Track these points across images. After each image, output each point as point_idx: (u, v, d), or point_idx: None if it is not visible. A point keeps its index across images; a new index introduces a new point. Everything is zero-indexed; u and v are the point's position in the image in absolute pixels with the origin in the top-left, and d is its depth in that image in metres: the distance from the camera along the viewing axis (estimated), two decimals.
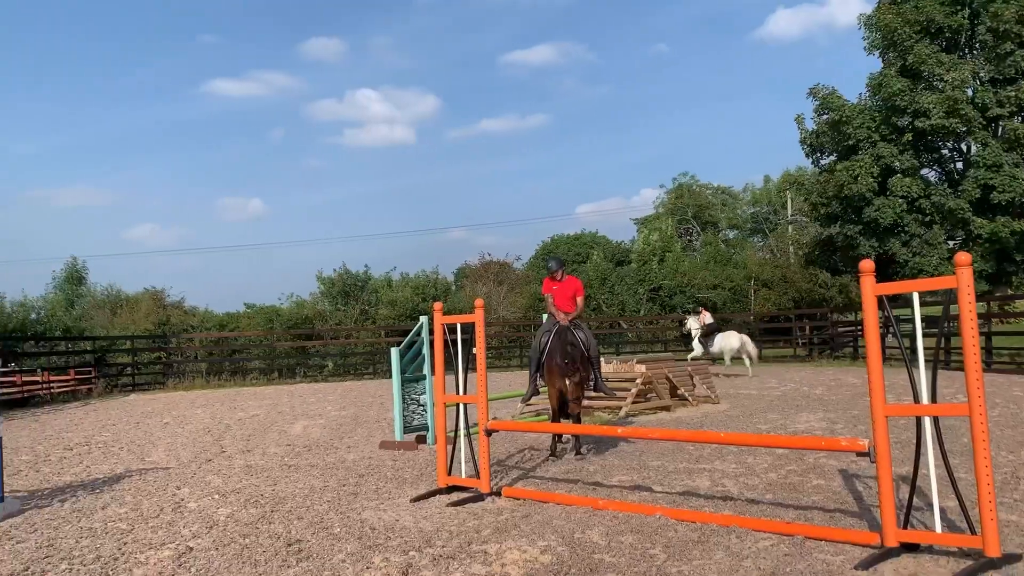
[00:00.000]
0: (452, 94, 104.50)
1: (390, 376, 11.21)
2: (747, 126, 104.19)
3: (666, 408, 13.45)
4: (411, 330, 11.00)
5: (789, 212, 51.73)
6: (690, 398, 13.94)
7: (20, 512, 7.26)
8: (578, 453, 9.13)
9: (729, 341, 21.34)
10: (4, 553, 5.86)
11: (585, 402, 11.17)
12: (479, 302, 7.48)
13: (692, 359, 20.00)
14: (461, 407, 7.63)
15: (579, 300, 9.54)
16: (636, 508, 6.43)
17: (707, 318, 22.51)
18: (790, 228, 49.93)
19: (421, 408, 10.88)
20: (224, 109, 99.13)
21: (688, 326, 22.72)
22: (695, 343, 22.07)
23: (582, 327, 9.48)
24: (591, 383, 9.44)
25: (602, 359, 11.87)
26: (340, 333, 32.81)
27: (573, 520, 6.21)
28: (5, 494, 7.28)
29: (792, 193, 50.52)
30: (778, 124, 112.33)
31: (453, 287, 41.57)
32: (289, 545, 5.75)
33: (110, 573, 5.26)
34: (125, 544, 5.97)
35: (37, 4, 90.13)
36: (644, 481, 7.67)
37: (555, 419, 9.49)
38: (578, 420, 9.35)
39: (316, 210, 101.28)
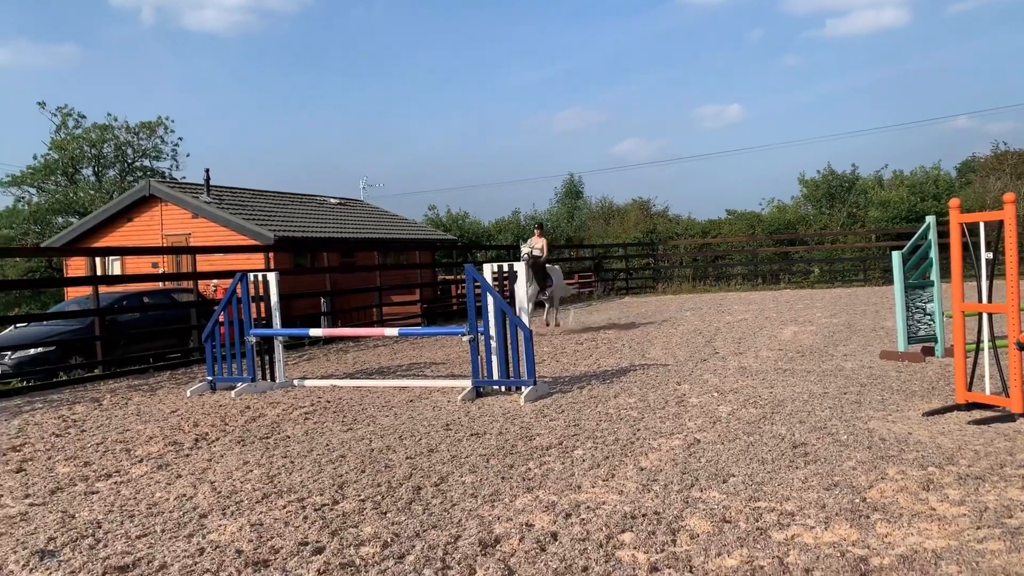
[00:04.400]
0: None
1: (883, 283, 10.40)
2: None
3: None
4: (906, 233, 10.02)
5: None
6: None
7: (548, 395, 8.36)
8: None
9: None
10: (541, 428, 6.81)
11: None
12: (1009, 196, 6.41)
13: None
14: (984, 317, 6.72)
15: None
16: None
17: None
18: None
19: (927, 317, 9.90)
20: (701, 15, 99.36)
21: None
22: None
23: None
24: None
25: None
26: (825, 238, 31.36)
27: None
28: (536, 379, 8.44)
29: None
30: None
31: (956, 184, 36.74)
32: (795, 447, 5.71)
33: (628, 454, 5.77)
34: (638, 431, 6.51)
35: None
36: None
37: None
38: None
39: (796, 110, 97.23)
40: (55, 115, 46.67)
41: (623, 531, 4.19)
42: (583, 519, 4.40)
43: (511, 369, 8.42)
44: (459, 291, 24.54)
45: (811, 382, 8.40)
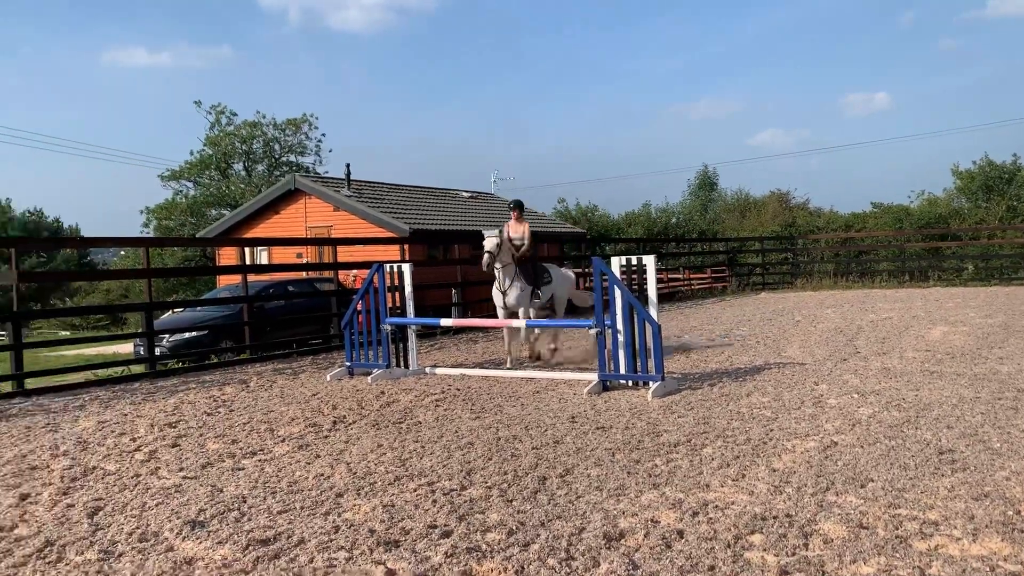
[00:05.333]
0: None
1: None
2: None
3: None
4: None
5: None
6: None
7: (677, 391, 8.22)
8: None
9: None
10: (669, 424, 6.71)
11: None
12: None
13: None
14: None
15: None
16: None
17: None
18: None
19: None
20: None
21: None
22: None
23: None
24: None
25: None
26: (981, 233, 29.32)
27: None
28: (665, 374, 8.32)
29: None
30: None
31: None
32: (941, 454, 5.38)
33: (759, 454, 5.61)
34: (771, 431, 6.30)
35: None
36: None
37: None
38: None
39: (951, 96, 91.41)
40: (210, 113, 49.78)
41: (752, 532, 4.08)
42: (711, 518, 4.31)
43: (638, 364, 8.34)
44: (587, 284, 24.51)
45: (961, 386, 7.89)
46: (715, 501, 4.60)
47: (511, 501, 4.74)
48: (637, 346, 8.31)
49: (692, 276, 26.77)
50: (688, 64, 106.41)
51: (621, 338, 8.36)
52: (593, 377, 8.63)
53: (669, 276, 25.72)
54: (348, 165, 23.17)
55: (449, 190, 28.93)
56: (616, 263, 8.67)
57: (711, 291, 25.01)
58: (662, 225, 43.61)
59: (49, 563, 4.00)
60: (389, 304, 10.30)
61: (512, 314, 10.92)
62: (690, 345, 12.01)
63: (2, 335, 36.18)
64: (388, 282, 10.38)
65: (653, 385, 8.08)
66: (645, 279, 8.59)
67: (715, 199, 48.35)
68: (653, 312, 8.37)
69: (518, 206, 11.35)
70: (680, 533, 4.11)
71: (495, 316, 11.32)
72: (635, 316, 8.31)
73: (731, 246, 30.36)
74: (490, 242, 10.49)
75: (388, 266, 10.51)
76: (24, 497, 5.22)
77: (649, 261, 8.60)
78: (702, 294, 24.41)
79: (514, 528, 4.24)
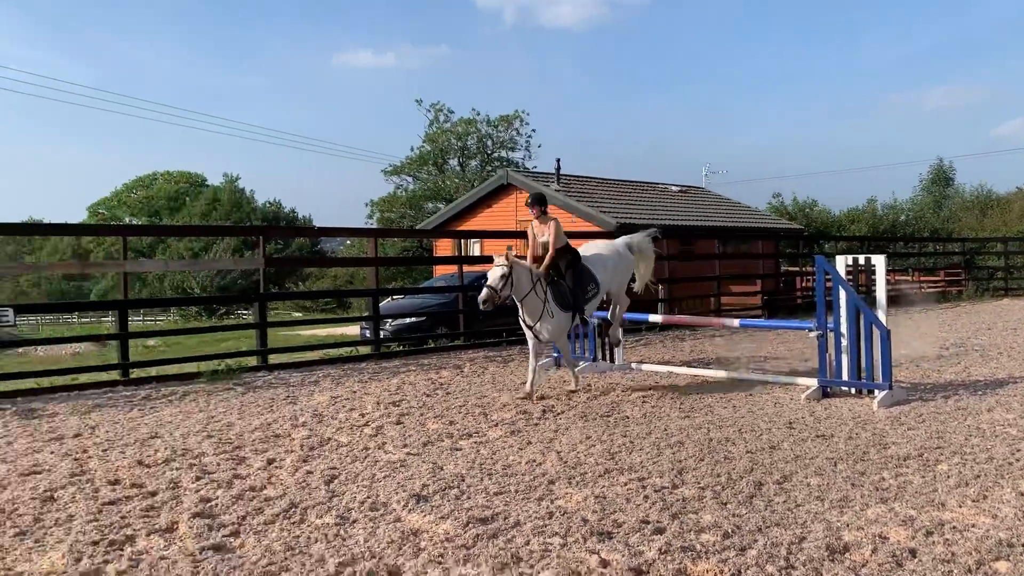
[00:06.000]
0: None
1: None
2: None
3: None
4: None
5: None
6: None
7: (906, 401, 7.65)
8: None
9: None
10: (898, 436, 6.26)
11: None
12: None
13: None
14: None
15: None
16: None
17: None
18: None
19: None
20: None
21: None
22: None
23: None
24: None
25: None
26: None
27: None
28: (893, 383, 7.76)
29: None
30: None
31: None
32: None
33: (1004, 475, 5.10)
34: (1018, 451, 5.71)
35: None
36: None
37: None
38: None
39: None
40: (429, 111, 52.39)
41: (997, 559, 3.74)
42: (947, 539, 3.99)
43: (863, 370, 7.84)
44: (804, 284, 23.33)
45: None
46: (952, 522, 4.25)
47: (725, 504, 4.63)
48: (862, 351, 7.82)
49: (922, 279, 24.75)
50: (919, 51, 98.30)
51: (844, 342, 7.90)
52: (812, 382, 8.22)
53: (896, 278, 23.95)
54: (558, 160, 23.52)
55: (658, 184, 28.59)
56: (841, 262, 8.20)
57: (944, 295, 22.99)
58: (888, 223, 40.68)
59: (294, 523, 4.41)
60: None
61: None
62: (920, 353, 11.12)
63: (246, 314, 40.22)
64: None
65: (880, 394, 7.57)
66: (873, 280, 8.05)
67: (950, 196, 44.34)
68: (882, 316, 7.84)
69: (538, 201, 8.54)
70: (912, 552, 3.83)
71: (705, 314, 11.01)
72: (861, 319, 7.82)
73: (969, 247, 27.70)
74: (494, 273, 8.04)
75: None
76: (270, 462, 5.77)
77: (879, 261, 8.06)
78: (934, 297, 22.50)
79: (729, 531, 4.14)
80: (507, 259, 8.06)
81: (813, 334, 8.18)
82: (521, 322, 8.44)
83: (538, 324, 8.26)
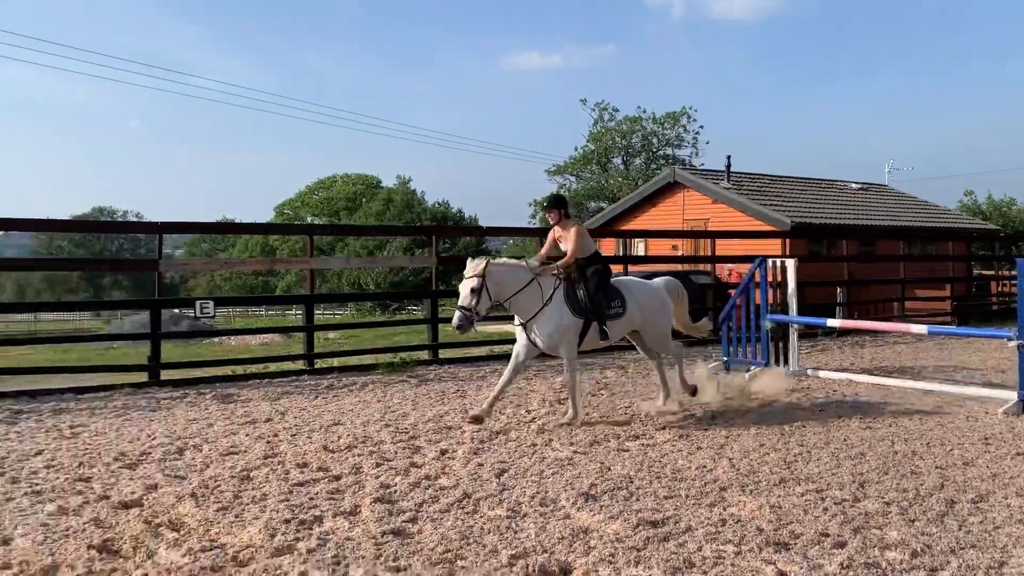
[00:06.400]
0: None
1: None
2: None
3: None
4: None
5: None
6: None
7: None
8: None
9: None
10: None
11: None
12: None
13: None
14: None
15: None
16: None
17: None
18: None
19: None
20: None
21: None
22: None
23: None
24: None
25: None
26: None
27: None
28: None
29: None
30: None
31: None
32: None
33: None
34: None
35: None
36: None
37: None
38: None
39: None
40: (593, 110, 52.39)
41: None
42: None
43: None
44: (1000, 289, 21.48)
45: None
46: None
47: (913, 521, 4.35)
48: None
49: None
50: None
51: None
52: (1011, 396, 7.56)
53: None
54: (728, 157, 22.86)
55: (836, 181, 27.19)
56: None
57: None
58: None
59: (467, 513, 4.55)
60: (770, 301, 10.03)
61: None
62: None
63: (416, 310, 41.79)
64: (770, 278, 10.11)
65: None
66: None
67: None
68: None
69: (556, 204, 7.44)
70: None
71: (887, 319, 10.40)
72: None
73: None
74: (464, 289, 6.87)
75: (770, 261, 10.22)
76: (443, 452, 5.98)
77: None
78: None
79: (918, 550, 3.89)
80: (477, 268, 6.86)
81: (1013, 343, 7.52)
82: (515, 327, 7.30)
83: (533, 323, 7.00)
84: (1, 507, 4.70)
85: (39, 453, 6.06)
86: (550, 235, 7.55)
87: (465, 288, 6.84)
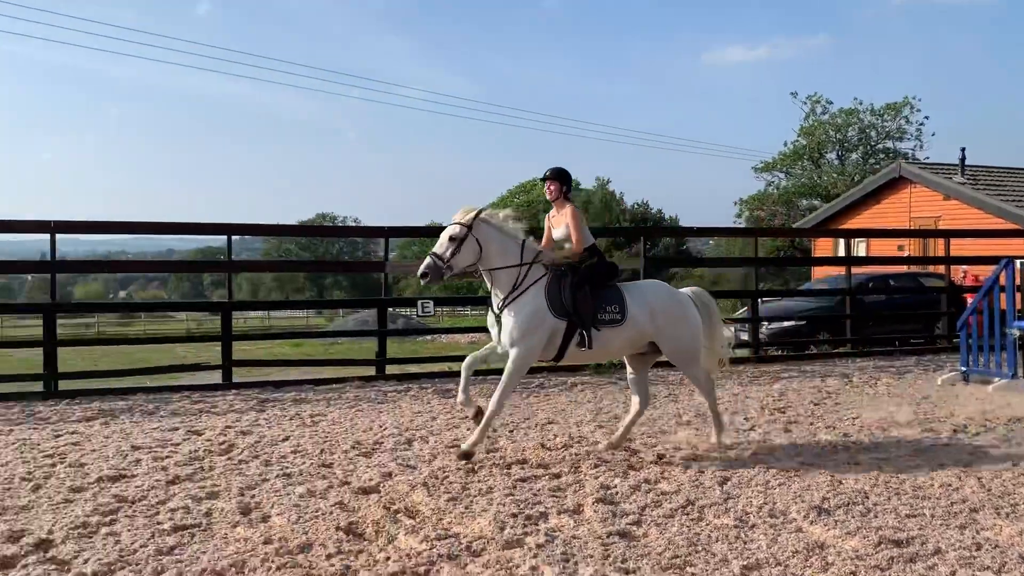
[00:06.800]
0: None
1: None
2: None
3: None
4: None
5: None
6: None
7: None
8: None
9: None
10: None
11: None
12: None
13: None
14: None
15: None
16: None
17: None
18: None
19: None
20: None
21: None
22: None
23: None
24: None
25: None
26: None
27: None
28: None
29: None
30: None
31: None
32: None
33: None
34: None
35: None
36: None
37: None
38: None
39: None
40: (805, 103, 49.78)
41: None
42: None
43: None
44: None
45: None
46: None
47: None
48: None
49: None
50: None
51: None
52: None
53: None
54: (963, 149, 20.91)
55: None
56: None
57: None
58: None
59: (692, 520, 4.47)
60: (1018, 306, 9.09)
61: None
62: None
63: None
64: (1018, 281, 9.16)
65: None
66: None
67: None
68: None
69: (561, 176, 6.18)
70: None
71: None
72: None
73: None
74: (443, 235, 5.83)
75: (1018, 262, 9.26)
76: (660, 457, 5.93)
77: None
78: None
79: None
80: (466, 216, 5.80)
81: None
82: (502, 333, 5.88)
83: (503, 311, 5.80)
84: (259, 487, 5.20)
85: (286, 439, 6.65)
86: (547, 219, 6.38)
87: (443, 235, 5.81)
